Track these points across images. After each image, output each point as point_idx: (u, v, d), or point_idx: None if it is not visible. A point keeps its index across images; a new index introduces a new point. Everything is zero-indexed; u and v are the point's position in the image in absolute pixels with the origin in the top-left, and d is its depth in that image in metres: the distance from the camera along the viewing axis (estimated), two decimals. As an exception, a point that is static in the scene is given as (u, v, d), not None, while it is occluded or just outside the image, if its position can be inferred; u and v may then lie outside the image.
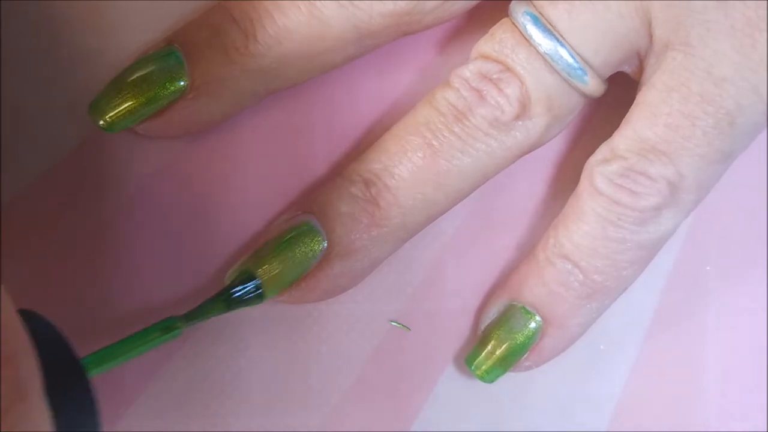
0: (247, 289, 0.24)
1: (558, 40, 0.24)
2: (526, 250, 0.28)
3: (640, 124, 0.24)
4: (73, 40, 0.25)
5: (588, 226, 0.25)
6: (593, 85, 0.25)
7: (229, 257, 0.26)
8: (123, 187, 0.26)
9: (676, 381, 0.28)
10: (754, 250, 0.29)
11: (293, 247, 0.25)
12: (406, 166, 0.25)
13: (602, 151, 0.25)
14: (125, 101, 0.24)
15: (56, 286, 0.25)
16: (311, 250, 0.25)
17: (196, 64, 0.24)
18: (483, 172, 0.25)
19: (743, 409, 0.28)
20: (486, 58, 0.25)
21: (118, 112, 0.24)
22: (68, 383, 0.20)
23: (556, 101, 0.25)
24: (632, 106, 0.25)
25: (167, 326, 0.23)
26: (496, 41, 0.25)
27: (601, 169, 0.25)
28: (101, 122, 0.24)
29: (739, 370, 0.28)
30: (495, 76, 0.25)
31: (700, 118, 0.24)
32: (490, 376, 0.26)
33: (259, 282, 0.24)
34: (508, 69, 0.24)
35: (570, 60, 0.24)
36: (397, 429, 0.27)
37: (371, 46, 0.25)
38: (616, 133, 0.25)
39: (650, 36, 0.24)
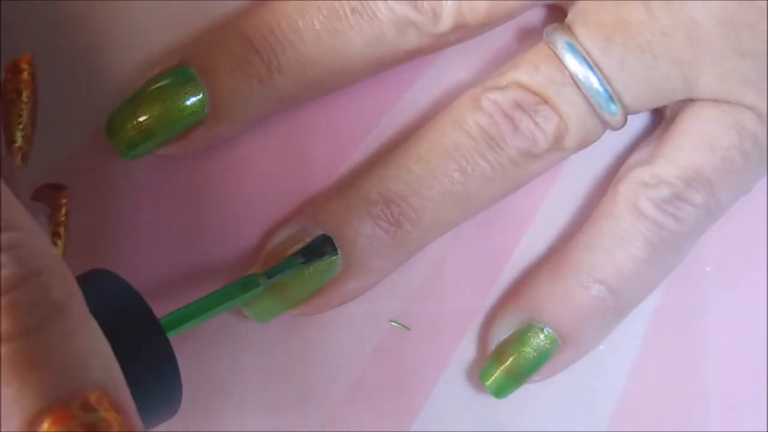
0: (323, 246, 0.25)
1: (604, 85, 0.24)
2: (527, 251, 0.28)
3: (695, 153, 0.25)
4: (73, 40, 0.25)
5: (635, 249, 0.25)
6: (620, 121, 0.25)
7: (232, 258, 0.26)
8: (123, 187, 0.26)
9: (676, 381, 0.28)
10: (754, 250, 0.29)
11: (309, 267, 0.25)
12: (435, 190, 0.25)
13: (642, 174, 0.25)
14: (141, 120, 0.24)
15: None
16: (327, 270, 0.25)
17: (217, 94, 0.24)
18: (505, 194, 0.26)
19: (743, 409, 0.28)
20: (524, 88, 0.25)
21: (134, 133, 0.24)
22: (147, 343, 0.19)
23: (588, 135, 0.25)
24: (674, 132, 0.25)
25: (248, 283, 0.23)
26: (539, 74, 0.25)
27: (648, 193, 0.25)
28: (119, 145, 0.24)
29: (739, 370, 0.28)
30: (531, 108, 0.25)
31: (751, 155, 0.25)
32: (504, 392, 0.26)
33: (333, 242, 0.25)
34: (547, 103, 0.25)
35: (612, 105, 0.25)
36: (397, 429, 0.27)
37: (387, 69, 0.26)
38: (657, 157, 0.25)
39: (692, 91, 0.25)
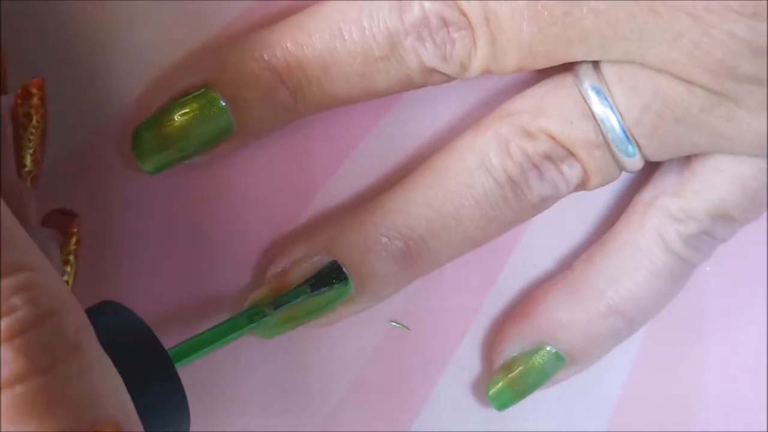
0: (332, 274, 0.25)
1: (634, 148, 0.24)
2: (528, 250, 0.28)
3: (726, 192, 0.25)
4: (73, 39, 0.25)
5: (659, 282, 0.26)
6: (639, 168, 0.25)
7: (233, 260, 0.26)
8: (123, 188, 0.26)
9: (676, 381, 0.28)
10: (754, 250, 0.29)
11: (316, 295, 0.25)
12: (457, 235, 0.25)
13: (671, 207, 0.26)
14: (170, 152, 0.24)
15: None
16: (337, 298, 0.25)
17: (243, 120, 0.24)
18: (516, 226, 0.26)
19: (743, 409, 0.28)
20: (555, 141, 0.24)
21: (159, 151, 0.24)
22: (155, 375, 0.20)
23: (607, 180, 0.25)
24: (705, 167, 0.25)
25: (254, 313, 0.24)
26: (573, 130, 0.24)
27: (677, 228, 0.25)
28: (142, 161, 0.24)
29: (739, 370, 0.28)
30: (558, 158, 0.25)
31: None
32: (508, 406, 0.27)
33: (342, 269, 0.25)
34: (575, 156, 0.25)
35: (636, 161, 0.25)
36: (397, 429, 0.27)
37: None
38: (688, 191, 0.26)
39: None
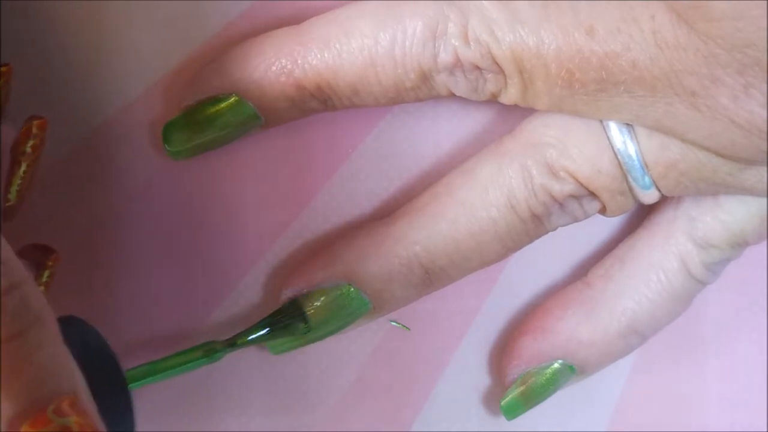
0: (294, 316, 0.25)
1: (656, 194, 0.25)
2: (527, 250, 0.28)
3: (749, 225, 0.26)
4: (72, 39, 0.25)
5: (677, 304, 0.27)
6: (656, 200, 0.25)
7: (231, 262, 0.26)
8: (122, 189, 0.26)
9: (676, 381, 0.28)
10: (754, 250, 0.29)
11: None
12: (475, 262, 0.25)
13: (696, 234, 0.26)
14: (201, 145, 0.25)
15: (52, 289, 0.25)
16: (354, 316, 0.25)
17: (273, 121, 0.25)
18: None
19: (743, 409, 0.28)
20: (581, 185, 0.24)
21: (189, 146, 0.25)
22: (109, 393, 0.20)
23: (624, 211, 0.26)
24: (731, 200, 0.26)
25: (209, 349, 0.24)
26: (601, 178, 0.24)
27: (702, 258, 0.26)
28: (172, 152, 0.25)
29: (739, 370, 0.28)
30: (581, 195, 0.25)
31: None
32: (517, 416, 0.27)
33: (305, 313, 0.25)
34: (598, 198, 0.25)
35: (655, 197, 0.25)
36: (397, 429, 0.27)
37: None
38: (714, 219, 0.26)
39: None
